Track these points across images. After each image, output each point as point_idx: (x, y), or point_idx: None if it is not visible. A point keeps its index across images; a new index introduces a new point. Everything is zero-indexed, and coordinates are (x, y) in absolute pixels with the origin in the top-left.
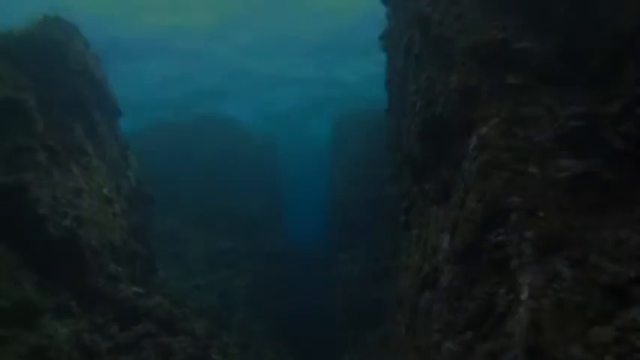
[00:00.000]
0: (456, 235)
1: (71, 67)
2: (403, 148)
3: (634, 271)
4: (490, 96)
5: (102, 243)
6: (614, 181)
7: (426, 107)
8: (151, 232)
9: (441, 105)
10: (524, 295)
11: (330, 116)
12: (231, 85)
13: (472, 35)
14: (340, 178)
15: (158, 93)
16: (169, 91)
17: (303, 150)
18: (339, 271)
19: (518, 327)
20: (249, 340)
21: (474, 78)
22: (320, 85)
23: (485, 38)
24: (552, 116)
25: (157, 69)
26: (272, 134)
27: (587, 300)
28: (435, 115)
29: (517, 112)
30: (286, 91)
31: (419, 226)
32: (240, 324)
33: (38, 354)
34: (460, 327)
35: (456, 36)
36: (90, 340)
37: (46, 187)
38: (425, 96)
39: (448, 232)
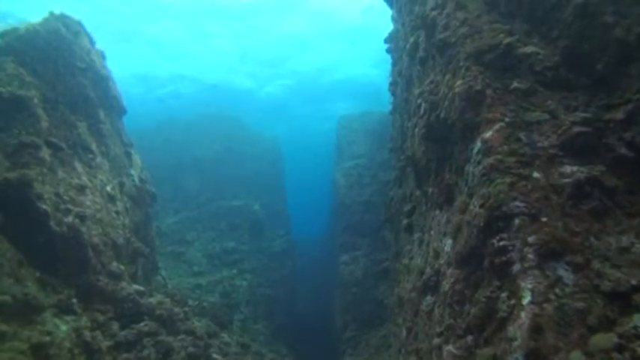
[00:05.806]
0: (458, 239)
1: (76, 65)
2: (407, 151)
3: (636, 278)
4: (494, 100)
5: (104, 241)
6: (617, 187)
7: (431, 110)
8: (154, 231)
9: (445, 108)
10: (525, 300)
11: None
12: None
13: (477, 40)
14: (344, 179)
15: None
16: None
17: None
18: (341, 272)
19: (519, 332)
20: (250, 340)
21: (478, 82)
22: None
23: (491, 43)
24: (557, 121)
25: None
26: (275, 132)
27: (588, 306)
28: (439, 119)
29: (521, 117)
30: None
31: (421, 229)
32: (242, 324)
33: (38, 351)
34: (461, 331)
35: (461, 40)
36: (91, 337)
37: (49, 184)
38: (429, 99)
39: (451, 236)
